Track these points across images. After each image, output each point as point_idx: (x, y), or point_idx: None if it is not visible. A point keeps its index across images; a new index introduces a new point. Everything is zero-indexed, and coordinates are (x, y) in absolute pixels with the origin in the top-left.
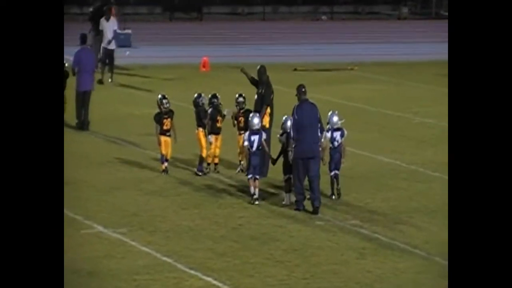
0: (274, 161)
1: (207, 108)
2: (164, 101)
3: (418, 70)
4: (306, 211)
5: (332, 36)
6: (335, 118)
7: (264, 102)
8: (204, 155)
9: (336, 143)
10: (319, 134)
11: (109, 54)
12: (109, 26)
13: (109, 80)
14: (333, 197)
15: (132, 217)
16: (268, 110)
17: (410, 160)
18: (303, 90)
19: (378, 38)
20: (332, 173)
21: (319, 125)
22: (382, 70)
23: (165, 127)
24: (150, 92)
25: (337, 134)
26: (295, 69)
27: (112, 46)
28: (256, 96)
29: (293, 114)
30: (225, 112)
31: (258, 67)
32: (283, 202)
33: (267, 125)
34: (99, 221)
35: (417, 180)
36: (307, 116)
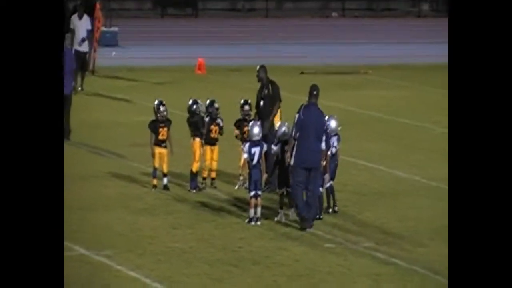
0: (268, 177)
1: (203, 115)
2: (161, 108)
3: (440, 74)
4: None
5: (344, 36)
6: (334, 123)
7: (275, 99)
8: (194, 169)
9: (334, 150)
10: (323, 147)
11: (81, 57)
12: (82, 25)
13: (79, 88)
14: (330, 210)
15: (118, 238)
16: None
17: (431, 175)
18: (315, 93)
19: (395, 37)
20: (328, 184)
21: (323, 136)
22: (400, 74)
23: (160, 137)
24: (139, 98)
25: (333, 140)
26: (302, 72)
27: (85, 48)
28: (261, 102)
29: (298, 112)
30: (220, 123)
31: (258, 66)
32: (276, 219)
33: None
34: (81, 242)
35: (439, 198)
36: (313, 120)
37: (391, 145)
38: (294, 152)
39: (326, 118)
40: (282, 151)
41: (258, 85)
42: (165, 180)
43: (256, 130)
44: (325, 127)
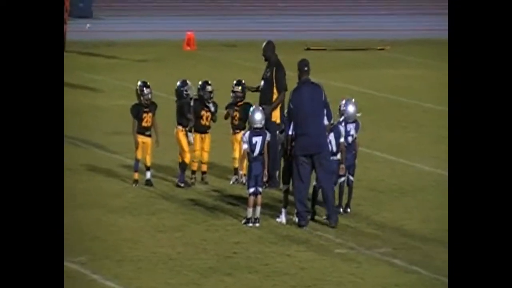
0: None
1: (191, 99)
2: (145, 90)
3: None
4: (315, 232)
5: (356, 6)
6: (352, 108)
7: (277, 87)
8: (187, 160)
9: (350, 139)
10: (326, 122)
11: None
12: None
13: None
14: (341, 210)
15: (93, 242)
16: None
17: None
18: (306, 68)
19: (416, 8)
20: (342, 179)
21: (325, 111)
22: (422, 51)
23: (144, 124)
24: (118, 78)
25: (351, 127)
26: (308, 48)
27: None
28: (262, 83)
29: (289, 102)
30: (211, 107)
31: (265, 43)
32: (278, 220)
33: (278, 120)
34: None
35: None
36: (307, 102)
37: (412, 133)
38: (294, 143)
39: (343, 102)
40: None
41: (262, 64)
42: (148, 174)
43: (259, 116)
44: (324, 99)
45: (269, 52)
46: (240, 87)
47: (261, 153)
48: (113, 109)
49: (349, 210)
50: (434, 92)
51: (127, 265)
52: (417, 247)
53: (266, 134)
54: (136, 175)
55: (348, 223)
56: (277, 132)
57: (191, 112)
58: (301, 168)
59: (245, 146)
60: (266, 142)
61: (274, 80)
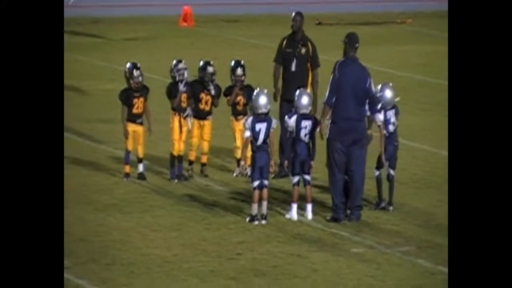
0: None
1: (182, 80)
2: (135, 72)
3: None
4: (327, 227)
5: None
6: (389, 93)
7: (313, 64)
8: (174, 152)
9: (391, 127)
10: (368, 113)
11: None
12: None
13: None
14: (382, 204)
15: (78, 244)
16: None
17: None
18: (356, 45)
19: None
20: (378, 172)
21: (367, 100)
22: (446, 24)
23: (135, 111)
24: (106, 59)
25: (390, 115)
26: (319, 23)
27: None
28: (294, 63)
29: (334, 71)
30: (211, 90)
31: (295, 13)
32: (287, 216)
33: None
34: None
35: None
36: (353, 80)
37: (437, 116)
38: (329, 123)
39: (379, 86)
40: (298, 126)
41: (267, 41)
42: (140, 167)
43: (263, 100)
44: (368, 86)
45: (300, 23)
46: (240, 69)
47: (265, 141)
48: (99, 94)
49: (391, 208)
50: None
51: (117, 269)
52: (444, 245)
53: (271, 120)
54: (127, 168)
55: (366, 218)
56: (286, 117)
57: (177, 96)
58: (337, 155)
59: (248, 133)
60: (271, 130)
61: (310, 57)
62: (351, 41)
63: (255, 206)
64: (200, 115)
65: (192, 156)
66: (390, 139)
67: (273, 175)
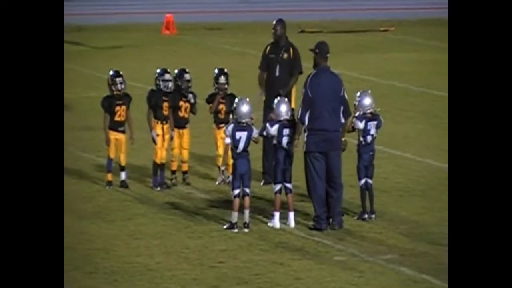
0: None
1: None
2: (117, 79)
3: None
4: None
5: None
6: (368, 101)
7: (295, 69)
8: (157, 160)
9: (369, 138)
10: (342, 120)
11: None
12: None
13: None
14: (366, 215)
15: None
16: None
17: None
18: (327, 55)
19: None
20: (362, 181)
21: (342, 108)
22: (432, 31)
23: (117, 119)
24: (88, 67)
25: (371, 126)
26: (302, 31)
27: None
28: (277, 68)
29: (305, 87)
30: (191, 99)
31: (276, 21)
32: (269, 224)
33: (293, 105)
34: None
35: None
36: (326, 91)
37: (420, 124)
38: (305, 137)
39: (358, 94)
40: (280, 134)
41: (251, 48)
42: (123, 175)
43: (245, 109)
44: (342, 94)
45: (281, 30)
46: (223, 77)
47: (246, 149)
48: (82, 102)
49: (373, 216)
50: (444, 77)
51: (100, 277)
52: (428, 253)
53: (252, 129)
54: (109, 176)
55: (348, 227)
56: (267, 125)
57: (158, 104)
58: (316, 163)
59: (228, 140)
60: (251, 139)
61: (292, 62)
62: (321, 51)
63: (235, 214)
64: (180, 123)
65: (174, 166)
66: (366, 148)
67: (261, 182)
